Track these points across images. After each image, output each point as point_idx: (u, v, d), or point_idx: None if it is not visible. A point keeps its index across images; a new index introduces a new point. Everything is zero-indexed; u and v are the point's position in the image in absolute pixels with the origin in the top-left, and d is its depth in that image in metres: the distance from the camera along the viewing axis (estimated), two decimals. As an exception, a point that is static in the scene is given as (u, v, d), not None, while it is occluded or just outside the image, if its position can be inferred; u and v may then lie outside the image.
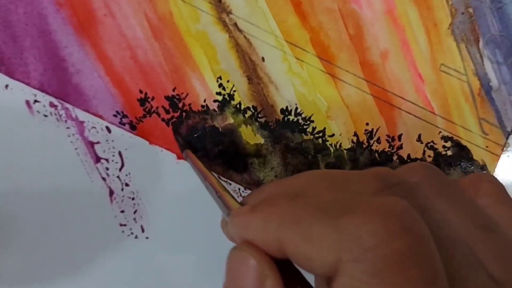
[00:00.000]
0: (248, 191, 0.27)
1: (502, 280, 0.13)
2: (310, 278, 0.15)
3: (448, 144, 0.28)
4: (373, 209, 0.12)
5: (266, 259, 0.14)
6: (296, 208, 0.14)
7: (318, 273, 0.13)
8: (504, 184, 0.29)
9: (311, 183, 0.16)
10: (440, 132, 0.28)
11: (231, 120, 0.27)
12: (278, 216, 0.14)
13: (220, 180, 0.20)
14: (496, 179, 0.17)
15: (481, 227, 0.14)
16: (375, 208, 0.12)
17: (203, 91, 0.27)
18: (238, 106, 0.27)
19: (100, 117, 0.26)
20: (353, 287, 0.11)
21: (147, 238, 0.27)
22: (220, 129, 0.27)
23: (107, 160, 0.27)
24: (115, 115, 0.26)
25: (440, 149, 0.28)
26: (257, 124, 0.27)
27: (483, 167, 0.28)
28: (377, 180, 0.15)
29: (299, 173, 0.16)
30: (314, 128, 0.28)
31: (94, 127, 0.26)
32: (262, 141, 0.27)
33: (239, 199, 0.18)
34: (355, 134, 0.28)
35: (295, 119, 0.28)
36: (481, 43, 0.28)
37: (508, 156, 0.29)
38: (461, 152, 0.28)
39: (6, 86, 0.26)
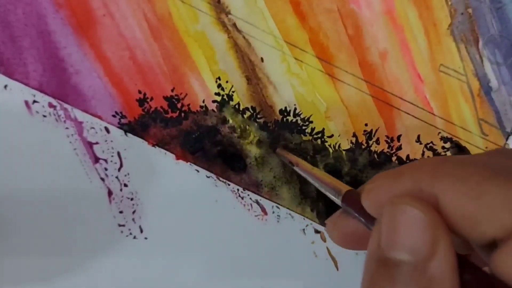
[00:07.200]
0: (247, 192, 0.27)
1: None
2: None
3: (448, 145, 0.28)
4: None
5: (438, 218, 0.12)
6: (458, 165, 0.12)
7: (480, 237, 0.12)
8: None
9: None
10: (440, 132, 0.28)
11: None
12: (433, 173, 0.12)
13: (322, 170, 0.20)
14: None
15: None
16: None
17: (202, 91, 0.27)
18: (237, 106, 0.27)
19: (99, 117, 0.26)
20: None
21: (145, 238, 0.27)
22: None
23: (106, 160, 0.27)
24: (114, 116, 0.26)
25: (440, 150, 0.28)
26: (256, 124, 0.27)
27: (483, 168, 0.28)
28: None
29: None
30: (313, 129, 0.28)
31: (93, 128, 0.26)
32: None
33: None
34: (354, 135, 0.28)
35: (294, 120, 0.27)
36: (480, 44, 0.28)
37: (507, 157, 0.28)
38: (461, 153, 0.28)
39: (5, 86, 0.26)
